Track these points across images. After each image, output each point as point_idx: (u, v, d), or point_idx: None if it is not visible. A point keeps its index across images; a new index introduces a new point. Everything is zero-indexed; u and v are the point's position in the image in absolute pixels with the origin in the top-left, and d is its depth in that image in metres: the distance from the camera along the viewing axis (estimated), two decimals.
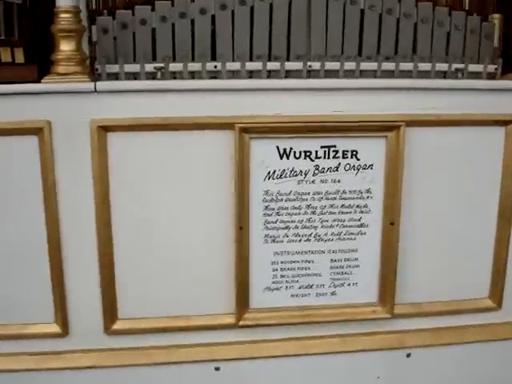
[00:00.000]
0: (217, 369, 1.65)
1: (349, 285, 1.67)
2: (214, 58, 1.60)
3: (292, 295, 1.65)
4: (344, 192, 1.60)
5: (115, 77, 1.54)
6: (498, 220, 1.68)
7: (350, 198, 1.61)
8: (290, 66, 1.59)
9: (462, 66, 1.64)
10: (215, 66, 1.58)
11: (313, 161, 1.57)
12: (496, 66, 1.67)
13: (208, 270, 1.60)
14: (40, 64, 1.49)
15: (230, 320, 1.62)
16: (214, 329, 1.63)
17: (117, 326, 1.60)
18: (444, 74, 1.66)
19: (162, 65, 1.52)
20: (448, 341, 1.72)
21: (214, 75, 1.59)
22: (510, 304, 1.74)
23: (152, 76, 1.54)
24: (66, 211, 1.52)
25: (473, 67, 1.67)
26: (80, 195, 1.51)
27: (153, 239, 1.57)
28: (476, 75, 1.69)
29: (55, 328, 1.58)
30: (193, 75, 1.58)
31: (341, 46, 1.63)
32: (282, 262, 1.62)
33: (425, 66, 1.65)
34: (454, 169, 1.63)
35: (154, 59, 1.58)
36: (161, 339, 1.63)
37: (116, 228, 1.54)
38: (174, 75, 1.58)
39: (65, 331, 1.59)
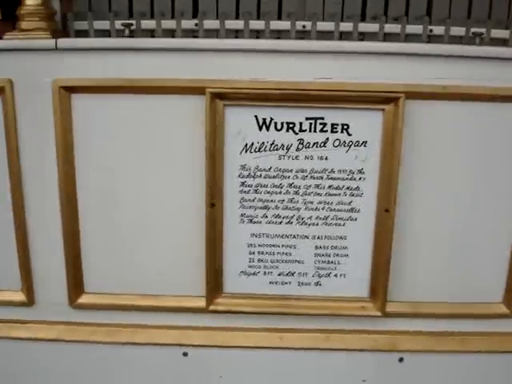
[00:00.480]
0: (185, 354, 1.53)
1: (335, 276, 1.48)
2: (195, 16, 1.45)
3: (271, 282, 1.49)
4: (332, 171, 1.41)
5: (86, 35, 1.43)
6: None
7: (339, 179, 1.42)
8: (279, 25, 1.41)
9: (482, 30, 1.39)
10: (196, 24, 1.43)
11: (296, 134, 1.39)
12: None
13: (178, 249, 1.47)
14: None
15: (201, 304, 1.49)
16: (183, 311, 1.50)
17: (82, 299, 1.51)
18: (460, 40, 1.43)
19: (130, 21, 1.39)
20: (449, 348, 1.50)
21: (196, 34, 1.44)
22: None
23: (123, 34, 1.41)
24: (29, 176, 1.43)
25: (497, 33, 1.42)
26: (43, 160, 1.41)
27: (120, 211, 1.45)
28: (502, 43, 1.44)
29: (21, 296, 1.51)
30: (172, 34, 1.44)
31: (341, 5, 1.43)
32: (259, 245, 1.46)
33: (438, 30, 1.42)
34: (463, 150, 1.39)
35: (131, 16, 1.45)
36: (127, 317, 1.52)
37: (81, 197, 1.44)
38: (153, 34, 1.45)
39: (30, 301, 1.51)
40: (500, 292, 1.50)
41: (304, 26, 1.43)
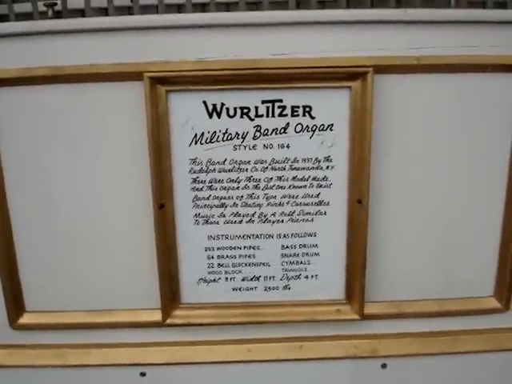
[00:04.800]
0: (142, 374, 1.36)
1: (306, 277, 1.32)
2: None
3: (234, 289, 1.33)
4: (295, 160, 1.24)
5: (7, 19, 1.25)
6: (505, 198, 1.28)
7: (303, 169, 1.25)
8: None
9: None
10: (131, 0, 1.24)
11: (252, 120, 1.21)
12: None
13: (128, 257, 1.29)
14: None
15: (157, 317, 1.32)
16: (138, 327, 1.34)
17: (24, 319, 1.34)
18: (434, 4, 1.25)
19: (54, 1, 1.20)
20: (437, 350, 1.35)
21: (132, 12, 1.26)
22: None
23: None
24: None
25: None
26: None
27: (58, 218, 1.27)
28: (482, 5, 1.28)
29: None
30: (106, 13, 1.26)
31: None
32: (218, 248, 1.29)
33: None
34: (442, 129, 1.22)
35: None
36: (76, 337, 1.35)
37: (12, 204, 1.26)
38: (83, 14, 1.26)
39: None
40: (490, 285, 1.34)
41: None
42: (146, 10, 1.26)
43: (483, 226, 1.30)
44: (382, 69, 1.17)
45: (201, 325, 1.32)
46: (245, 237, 1.29)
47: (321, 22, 1.17)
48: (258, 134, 1.22)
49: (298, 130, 1.22)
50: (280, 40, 1.17)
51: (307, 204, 1.27)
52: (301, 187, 1.26)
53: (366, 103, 1.18)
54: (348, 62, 1.18)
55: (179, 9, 1.28)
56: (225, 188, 1.25)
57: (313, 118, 1.21)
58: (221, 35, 1.16)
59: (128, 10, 1.29)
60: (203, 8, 1.27)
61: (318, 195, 1.26)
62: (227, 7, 1.28)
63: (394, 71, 1.19)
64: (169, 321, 1.32)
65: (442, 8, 1.21)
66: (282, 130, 1.22)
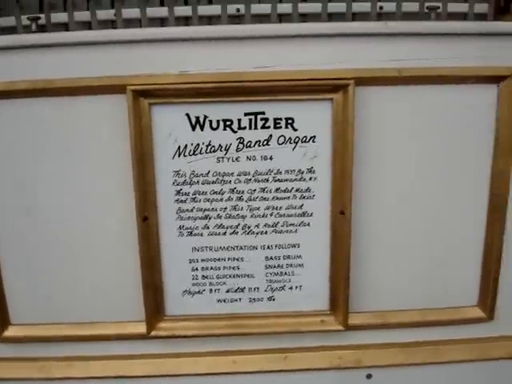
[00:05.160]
0: None
1: (290, 288, 1.33)
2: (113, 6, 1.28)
3: (218, 300, 1.33)
4: (279, 172, 1.25)
5: None
6: (488, 208, 1.29)
7: (286, 180, 1.25)
8: (209, 10, 1.24)
9: (436, 4, 1.23)
10: (115, 14, 1.25)
11: (235, 132, 1.22)
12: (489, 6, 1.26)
13: (112, 270, 1.29)
14: None
15: (142, 329, 1.32)
16: (123, 339, 1.33)
17: (9, 332, 1.33)
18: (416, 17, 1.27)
19: (37, 15, 1.21)
20: (422, 360, 1.35)
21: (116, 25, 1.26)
22: (504, 313, 1.36)
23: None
24: None
25: (455, 7, 1.27)
26: None
27: (42, 231, 1.27)
28: (463, 17, 1.29)
29: None
30: (89, 26, 1.27)
31: None
32: (203, 260, 1.30)
33: (389, 7, 1.26)
34: (425, 142, 1.24)
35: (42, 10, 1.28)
36: (61, 349, 1.35)
37: None
38: (67, 28, 1.27)
39: None
40: (474, 294, 1.35)
41: (238, 10, 1.26)
42: (129, 23, 1.27)
43: (466, 236, 1.30)
44: (364, 81, 1.19)
45: (185, 337, 1.32)
46: (229, 248, 1.29)
47: (303, 35, 1.18)
48: (241, 146, 1.23)
49: (280, 141, 1.23)
50: (262, 53, 1.18)
51: (291, 215, 1.27)
52: (284, 198, 1.26)
53: (348, 115, 1.19)
54: (329, 75, 1.19)
55: (162, 22, 1.29)
56: (208, 200, 1.26)
57: (295, 129, 1.22)
58: (203, 48, 1.17)
59: (111, 24, 1.30)
60: (186, 21, 1.28)
61: (301, 206, 1.27)
62: (209, 21, 1.29)
63: (376, 83, 1.20)
64: (153, 333, 1.32)
65: (422, 20, 1.22)
66: (265, 142, 1.23)
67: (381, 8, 1.28)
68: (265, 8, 1.25)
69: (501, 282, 1.33)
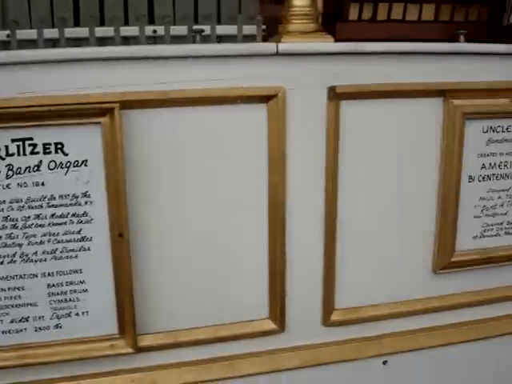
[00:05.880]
0: None
1: (77, 315, 1.30)
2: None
3: (3, 331, 1.28)
4: (52, 198, 1.23)
5: None
6: (267, 221, 1.33)
7: (61, 206, 1.24)
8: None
9: (202, 27, 1.27)
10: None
11: (3, 159, 1.19)
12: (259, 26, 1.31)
13: None
14: None
15: None
16: None
17: None
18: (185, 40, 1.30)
19: None
20: (214, 376, 1.36)
21: None
22: (295, 322, 1.40)
23: None
24: None
25: (224, 29, 1.31)
26: None
27: None
28: (233, 39, 1.34)
29: None
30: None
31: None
32: None
33: (162, 30, 1.29)
34: (199, 162, 1.27)
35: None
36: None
37: None
38: None
39: None
40: (265, 307, 1.39)
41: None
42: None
43: (249, 252, 1.34)
44: (129, 104, 1.20)
45: None
46: (8, 278, 1.25)
47: (73, 60, 1.18)
48: (10, 172, 1.20)
49: (51, 167, 1.21)
50: (25, 78, 1.17)
51: (69, 241, 1.26)
52: (61, 224, 1.25)
53: (117, 138, 1.20)
54: (96, 99, 1.19)
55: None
56: None
57: (66, 154, 1.21)
58: None
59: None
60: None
61: (79, 231, 1.26)
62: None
63: (143, 106, 1.21)
64: None
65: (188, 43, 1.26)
66: (36, 168, 1.21)
67: (154, 32, 1.30)
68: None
69: (289, 293, 1.38)
